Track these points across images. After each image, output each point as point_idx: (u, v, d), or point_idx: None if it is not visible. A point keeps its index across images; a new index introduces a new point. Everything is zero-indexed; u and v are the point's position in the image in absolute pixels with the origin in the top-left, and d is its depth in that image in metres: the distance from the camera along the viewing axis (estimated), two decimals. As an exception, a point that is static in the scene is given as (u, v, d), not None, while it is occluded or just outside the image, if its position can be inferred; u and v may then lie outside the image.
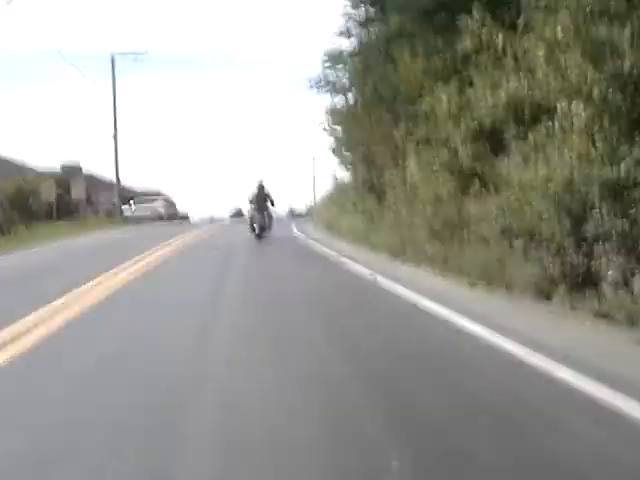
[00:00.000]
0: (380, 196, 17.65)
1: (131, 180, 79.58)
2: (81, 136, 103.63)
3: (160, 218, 40.82)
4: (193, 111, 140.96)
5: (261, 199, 19.06)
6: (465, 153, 12.69)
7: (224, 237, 20.15)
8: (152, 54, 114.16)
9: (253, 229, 18.48)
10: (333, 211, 26.41)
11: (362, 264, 11.32)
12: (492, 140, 12.96)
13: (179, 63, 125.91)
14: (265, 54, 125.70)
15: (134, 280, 10.16)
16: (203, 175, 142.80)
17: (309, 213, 73.45)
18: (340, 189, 26.29)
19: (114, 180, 56.64)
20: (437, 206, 12.02)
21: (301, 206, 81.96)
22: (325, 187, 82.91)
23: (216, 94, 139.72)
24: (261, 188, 19.20)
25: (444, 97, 13.11)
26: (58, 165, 52.99)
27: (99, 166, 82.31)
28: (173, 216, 41.84)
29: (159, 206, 41.66)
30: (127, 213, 41.17)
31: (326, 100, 31.10)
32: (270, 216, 19.38)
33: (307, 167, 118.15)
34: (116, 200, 39.37)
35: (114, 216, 38.64)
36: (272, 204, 19.75)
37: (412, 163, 14.29)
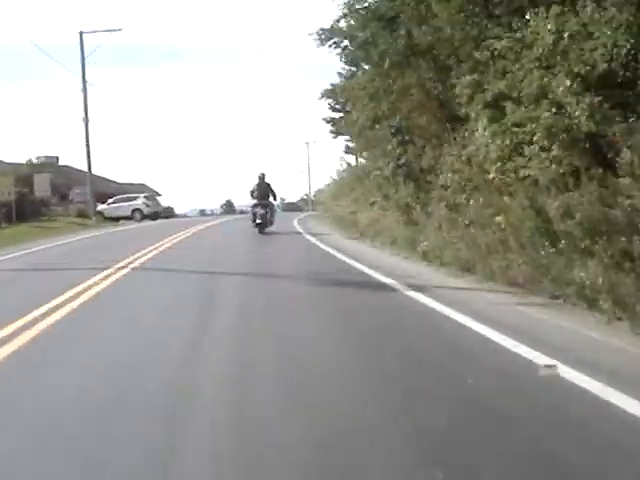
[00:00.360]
0: (421, 184, 12.99)
1: (115, 174, 75.22)
2: (67, 131, 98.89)
3: (142, 217, 36.05)
4: (182, 104, 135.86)
5: (263, 192, 18.19)
6: (582, 112, 8.12)
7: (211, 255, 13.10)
8: (141, 48, 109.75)
9: (255, 223, 17.65)
10: (345, 204, 21.80)
11: (464, 311, 5.79)
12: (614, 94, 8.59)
13: (168, 56, 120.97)
14: (252, 44, 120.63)
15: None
16: (193, 168, 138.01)
17: (304, 205, 68.62)
18: (355, 177, 21.69)
19: (95, 173, 51.79)
20: (554, 196, 7.36)
21: (294, 197, 77.15)
22: (326, 176, 78.39)
23: (204, 86, 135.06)
24: (263, 181, 18.38)
25: (549, 24, 8.41)
26: (34, 159, 48.62)
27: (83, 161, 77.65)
28: (156, 214, 36.96)
29: (139, 204, 36.75)
30: (104, 212, 36.41)
31: (335, 67, 26.37)
32: (272, 209, 18.69)
33: (298, 156, 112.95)
34: (89, 196, 34.34)
35: (88, 215, 33.69)
36: (274, 197, 18.92)
37: (487, 132, 9.59)
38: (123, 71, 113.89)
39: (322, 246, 13.65)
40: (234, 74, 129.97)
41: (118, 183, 56.56)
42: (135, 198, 37.46)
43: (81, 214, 34.16)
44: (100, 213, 35.87)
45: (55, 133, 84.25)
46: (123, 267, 10.30)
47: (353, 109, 16.90)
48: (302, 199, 77.87)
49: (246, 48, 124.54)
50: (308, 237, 16.65)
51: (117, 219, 34.88)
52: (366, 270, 9.22)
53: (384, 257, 10.94)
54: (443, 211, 11.01)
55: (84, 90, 34.30)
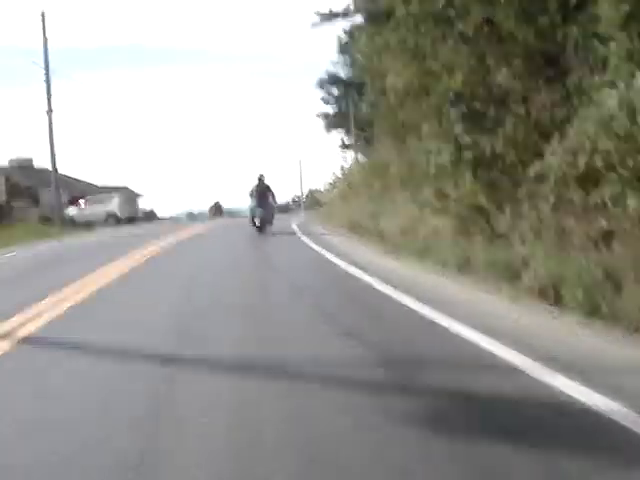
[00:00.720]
0: (497, 175, 8.69)
1: (100, 177, 70.47)
2: (45, 133, 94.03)
3: (117, 220, 31.65)
4: (170, 105, 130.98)
5: (262, 193, 18.37)
6: None
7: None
8: (130, 49, 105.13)
9: (254, 223, 18.07)
10: (359, 205, 17.58)
11: None
12: None
13: (157, 58, 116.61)
14: (242, 45, 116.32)
15: None
16: (180, 169, 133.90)
17: (296, 207, 64.06)
18: (372, 171, 17.52)
19: (74, 176, 47.21)
20: None
21: (284, 198, 72.40)
22: (319, 176, 73.75)
23: (192, 88, 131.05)
24: (261, 182, 18.59)
25: None
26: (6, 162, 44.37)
27: (68, 165, 73.90)
28: (133, 217, 32.51)
29: (113, 205, 32.24)
30: (75, 217, 32.03)
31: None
32: (271, 210, 18.68)
33: (288, 156, 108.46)
34: (53, 198, 29.73)
35: (52, 221, 29.12)
36: (273, 198, 18.78)
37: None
38: (110, 73, 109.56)
39: (357, 273, 9.18)
40: (222, 75, 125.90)
41: (97, 186, 51.86)
42: (109, 200, 32.98)
43: (44, 220, 29.63)
44: (70, 218, 31.48)
45: (33, 136, 79.87)
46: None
47: (384, 76, 12.41)
48: (293, 200, 73.34)
49: (235, 48, 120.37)
50: (327, 255, 11.61)
51: (89, 224, 30.53)
52: (491, 348, 4.20)
53: (478, 301, 6.42)
54: (570, 219, 6.70)
55: (47, 79, 29.83)
